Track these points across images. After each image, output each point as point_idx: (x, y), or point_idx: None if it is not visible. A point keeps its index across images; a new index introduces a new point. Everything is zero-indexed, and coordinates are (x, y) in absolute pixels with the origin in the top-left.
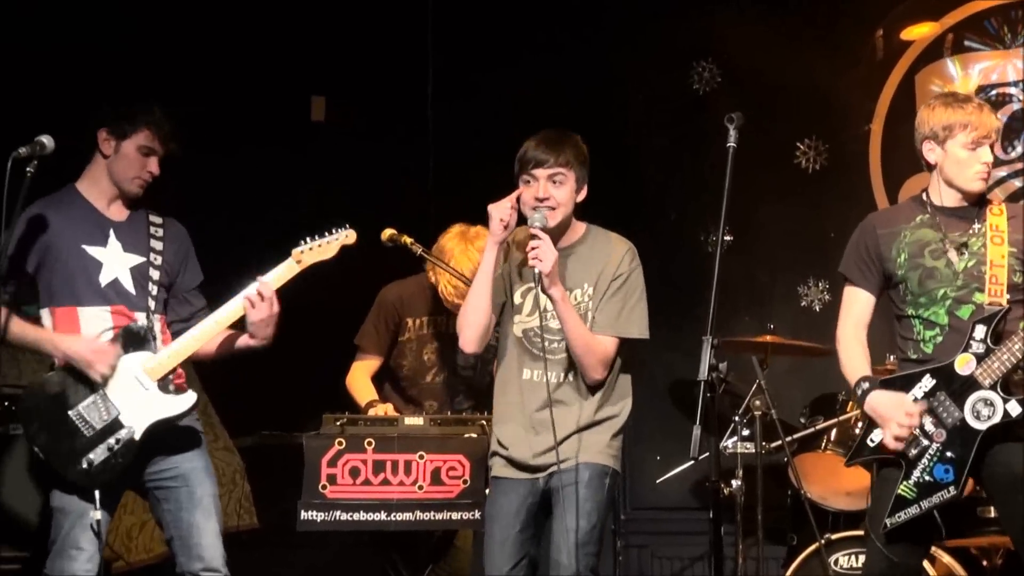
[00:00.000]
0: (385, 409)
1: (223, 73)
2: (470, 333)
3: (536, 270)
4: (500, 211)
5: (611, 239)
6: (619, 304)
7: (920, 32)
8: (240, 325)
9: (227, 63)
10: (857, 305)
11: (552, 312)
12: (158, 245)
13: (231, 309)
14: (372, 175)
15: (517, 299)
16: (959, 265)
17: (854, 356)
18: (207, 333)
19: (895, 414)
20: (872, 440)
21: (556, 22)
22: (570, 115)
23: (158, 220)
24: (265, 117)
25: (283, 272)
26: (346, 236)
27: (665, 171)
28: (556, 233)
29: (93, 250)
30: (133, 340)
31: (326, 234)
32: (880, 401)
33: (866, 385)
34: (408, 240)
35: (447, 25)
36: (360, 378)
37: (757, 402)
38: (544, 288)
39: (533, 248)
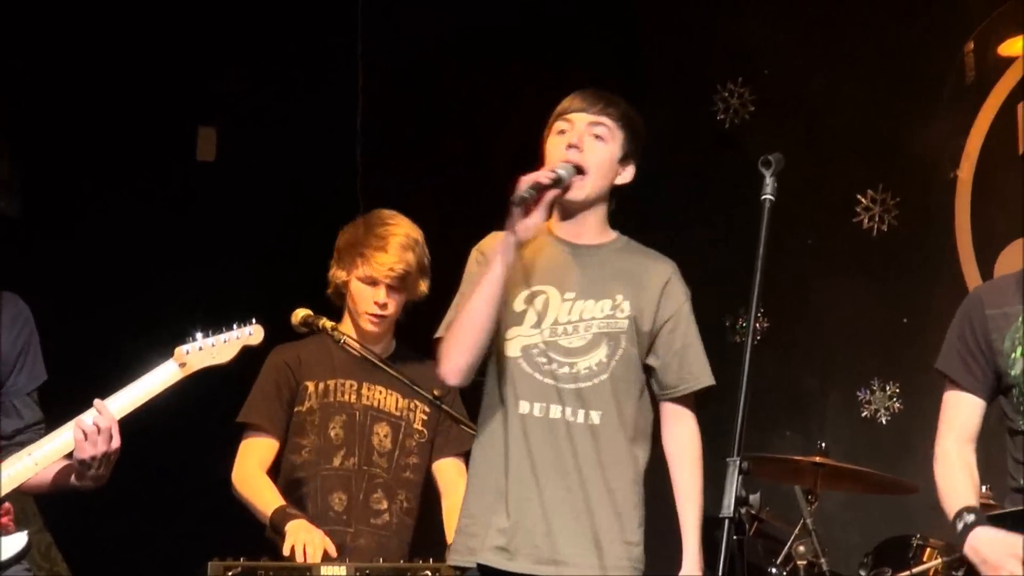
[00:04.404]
0: (307, 537)
1: (79, 92)
2: (461, 359)
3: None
4: (527, 184)
5: (649, 251)
6: (692, 338)
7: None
8: None
9: (85, 76)
10: (961, 413)
11: (566, 326)
12: None
13: (65, 437)
14: (282, 232)
15: (519, 306)
16: None
17: (955, 479)
18: (45, 459)
19: (1006, 562)
20: None
21: (538, 37)
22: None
23: None
24: (138, 154)
25: (154, 384)
26: (250, 335)
27: (677, 230)
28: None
29: None
30: None
31: (223, 330)
32: (986, 540)
33: (970, 518)
34: (329, 324)
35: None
36: (254, 472)
37: (802, 548)
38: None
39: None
